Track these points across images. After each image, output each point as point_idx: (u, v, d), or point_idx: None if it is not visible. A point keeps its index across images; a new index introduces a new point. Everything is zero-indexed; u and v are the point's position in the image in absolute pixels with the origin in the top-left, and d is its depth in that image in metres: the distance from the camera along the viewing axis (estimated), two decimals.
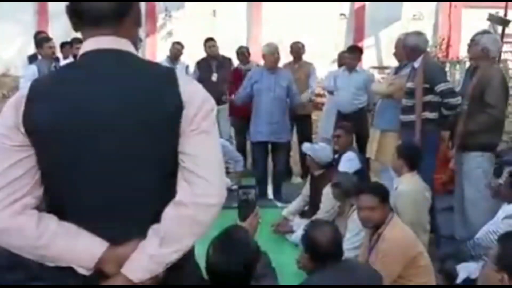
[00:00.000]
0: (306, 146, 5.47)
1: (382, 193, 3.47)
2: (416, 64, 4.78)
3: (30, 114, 1.48)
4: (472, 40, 4.73)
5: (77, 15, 1.56)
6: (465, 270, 3.72)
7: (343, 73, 6.62)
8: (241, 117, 6.98)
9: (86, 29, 1.57)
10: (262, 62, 7.76)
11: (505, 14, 7.51)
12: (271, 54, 6.15)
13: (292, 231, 5.02)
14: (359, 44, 10.75)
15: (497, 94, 4.51)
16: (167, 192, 1.53)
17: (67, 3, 1.57)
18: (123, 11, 1.56)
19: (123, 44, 1.57)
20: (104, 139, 1.49)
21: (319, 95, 8.75)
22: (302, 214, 5.26)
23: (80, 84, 1.51)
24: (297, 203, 5.36)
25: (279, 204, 6.00)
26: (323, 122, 7.13)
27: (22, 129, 1.48)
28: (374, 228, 3.42)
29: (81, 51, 1.58)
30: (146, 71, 1.57)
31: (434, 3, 12.48)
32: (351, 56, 6.56)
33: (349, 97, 6.39)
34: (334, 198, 4.50)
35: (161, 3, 11.92)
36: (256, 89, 6.14)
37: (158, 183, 1.54)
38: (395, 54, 5.50)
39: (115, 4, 1.54)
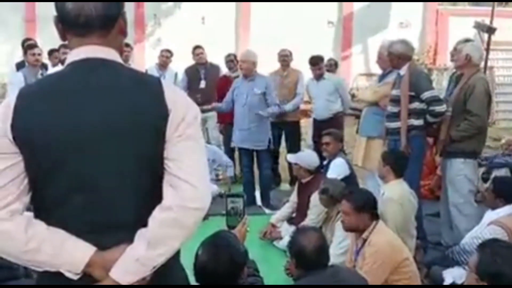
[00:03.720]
0: (290, 156, 5.51)
1: (357, 200, 3.56)
2: (402, 71, 4.83)
3: (18, 122, 1.50)
4: (455, 49, 4.79)
5: (64, 25, 1.58)
6: (451, 275, 3.76)
7: (312, 82, 6.86)
8: (229, 124, 7.01)
9: (73, 38, 1.60)
10: None
11: (491, 22, 7.60)
12: (242, 61, 6.28)
13: (280, 238, 5.04)
14: (347, 52, 10.85)
15: (479, 102, 4.57)
16: (154, 198, 1.55)
17: (55, 13, 1.59)
18: (110, 21, 1.59)
19: (109, 54, 1.59)
20: (91, 147, 1.51)
21: (307, 101, 8.80)
22: (290, 220, 5.28)
23: (67, 93, 1.54)
24: (285, 210, 5.38)
25: (267, 211, 6.02)
26: (310, 129, 7.20)
27: (10, 137, 1.50)
28: (357, 233, 3.48)
29: (68, 60, 1.61)
30: (132, 79, 1.60)
31: (421, 11, 12.60)
32: (313, 67, 6.78)
33: (323, 104, 6.58)
34: (322, 204, 4.53)
35: (150, 10, 11.91)
36: (234, 97, 6.24)
37: (145, 189, 1.57)
38: (379, 62, 5.56)
39: (102, 14, 1.56)
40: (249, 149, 6.29)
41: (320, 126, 6.32)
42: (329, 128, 5.79)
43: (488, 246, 2.34)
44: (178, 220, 1.52)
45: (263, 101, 6.13)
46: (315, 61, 6.82)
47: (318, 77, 6.76)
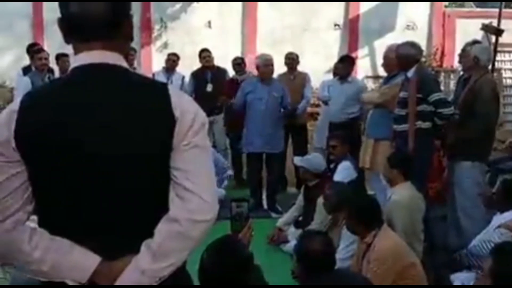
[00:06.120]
0: (297, 159, 5.47)
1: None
2: (410, 74, 4.80)
3: (22, 129, 1.48)
4: (463, 51, 4.77)
5: (69, 29, 1.55)
6: (459, 279, 3.74)
7: (335, 82, 6.67)
8: (236, 127, 7.00)
9: (77, 42, 1.56)
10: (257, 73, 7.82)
11: (499, 24, 7.55)
12: (265, 65, 6.18)
13: (287, 241, 5.03)
14: (354, 54, 10.80)
15: (488, 104, 4.54)
16: (160, 207, 1.53)
17: (59, 15, 1.56)
18: (116, 25, 1.56)
19: (115, 58, 1.56)
20: (95, 155, 1.48)
21: (314, 104, 8.78)
22: (297, 224, 5.26)
23: (71, 99, 1.51)
24: (291, 213, 5.36)
25: (273, 214, 6.01)
26: (317, 132, 7.15)
27: (14, 144, 1.48)
28: (361, 237, 3.49)
29: (72, 65, 1.58)
30: (138, 86, 1.57)
31: (428, 13, 12.57)
32: (341, 65, 6.65)
33: (340, 107, 6.41)
34: (325, 210, 4.49)
35: (157, 14, 11.96)
36: (249, 100, 6.17)
37: (150, 197, 1.54)
38: (384, 65, 5.53)
39: (108, 18, 1.53)
40: (261, 153, 6.26)
41: (336, 130, 6.10)
42: (346, 132, 5.78)
43: (502, 249, 2.33)
44: (186, 233, 1.50)
45: (279, 104, 6.16)
46: (343, 59, 6.77)
47: (343, 78, 6.49)
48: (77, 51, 1.57)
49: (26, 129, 1.48)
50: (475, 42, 4.89)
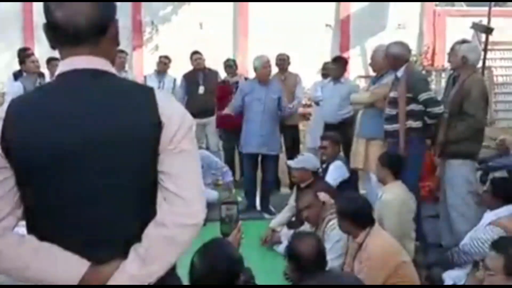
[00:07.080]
0: (291, 162, 5.41)
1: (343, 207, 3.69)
2: (399, 73, 4.83)
3: (8, 136, 1.47)
4: (452, 49, 4.79)
5: (54, 34, 1.54)
6: (451, 277, 3.76)
7: (328, 83, 6.68)
8: (229, 129, 7.00)
9: (63, 48, 1.55)
10: (249, 75, 7.84)
11: (489, 22, 7.61)
12: (263, 67, 6.19)
13: (280, 242, 5.02)
14: (345, 54, 10.85)
15: (476, 103, 4.56)
16: (147, 211, 1.53)
17: (44, 21, 1.54)
18: (101, 30, 1.54)
19: (101, 64, 1.55)
20: (82, 160, 1.48)
21: (306, 105, 8.80)
22: (290, 224, 5.26)
23: (57, 105, 1.50)
24: (284, 214, 5.34)
25: (266, 215, 6.01)
26: (310, 133, 7.16)
27: (0, 151, 1.47)
28: (352, 237, 3.50)
29: (58, 71, 1.57)
30: (125, 91, 1.56)
31: (419, 12, 12.62)
32: (334, 66, 6.64)
33: (334, 108, 6.41)
34: (307, 222, 4.44)
35: (148, 17, 11.94)
36: (247, 101, 6.16)
37: (138, 202, 1.54)
38: (372, 65, 5.56)
39: (93, 23, 1.51)
40: (257, 154, 6.26)
41: (330, 130, 6.13)
42: (340, 133, 5.82)
43: (509, 245, 2.38)
44: (173, 238, 1.50)
45: (277, 105, 6.19)
46: (336, 60, 6.80)
47: (336, 78, 6.52)
48: (63, 56, 1.56)
49: (13, 136, 1.47)
50: (464, 41, 4.91)
